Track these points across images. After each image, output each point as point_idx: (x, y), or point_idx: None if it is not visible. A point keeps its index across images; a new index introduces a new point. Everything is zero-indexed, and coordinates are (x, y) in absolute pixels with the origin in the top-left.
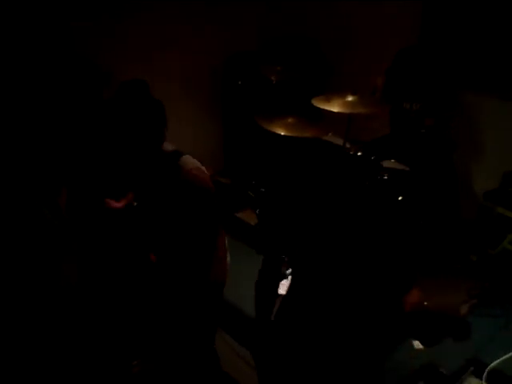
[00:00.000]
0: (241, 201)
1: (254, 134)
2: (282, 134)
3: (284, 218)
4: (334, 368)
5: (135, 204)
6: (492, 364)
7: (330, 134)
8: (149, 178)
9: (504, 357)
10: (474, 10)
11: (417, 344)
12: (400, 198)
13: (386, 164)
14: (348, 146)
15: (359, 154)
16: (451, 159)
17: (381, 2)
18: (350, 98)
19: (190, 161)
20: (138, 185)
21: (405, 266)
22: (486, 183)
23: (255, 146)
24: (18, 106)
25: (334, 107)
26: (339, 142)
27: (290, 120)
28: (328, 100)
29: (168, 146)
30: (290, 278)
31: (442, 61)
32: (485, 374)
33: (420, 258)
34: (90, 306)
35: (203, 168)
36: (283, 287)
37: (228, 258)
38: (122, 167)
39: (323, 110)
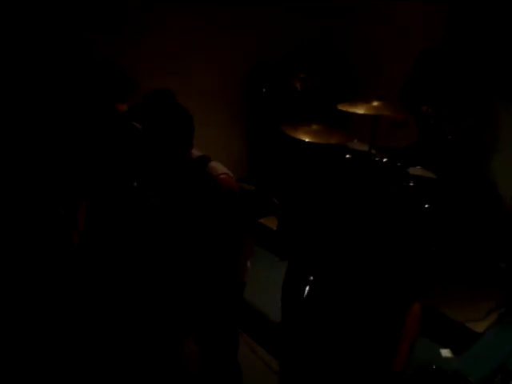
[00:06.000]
0: (265, 207)
1: (278, 140)
2: (307, 140)
3: (307, 223)
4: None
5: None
6: None
7: (355, 140)
8: (176, 183)
9: None
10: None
11: (444, 352)
12: (426, 206)
13: (413, 171)
14: (373, 152)
15: (385, 160)
16: (478, 166)
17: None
18: (375, 103)
19: (218, 166)
20: (164, 189)
21: (425, 272)
22: None
23: (279, 153)
24: (36, 112)
25: (360, 110)
26: (365, 148)
27: (314, 127)
28: (354, 105)
29: (195, 152)
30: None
31: (464, 66)
32: None
33: (439, 266)
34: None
35: (231, 174)
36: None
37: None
38: (148, 172)
39: (349, 116)
